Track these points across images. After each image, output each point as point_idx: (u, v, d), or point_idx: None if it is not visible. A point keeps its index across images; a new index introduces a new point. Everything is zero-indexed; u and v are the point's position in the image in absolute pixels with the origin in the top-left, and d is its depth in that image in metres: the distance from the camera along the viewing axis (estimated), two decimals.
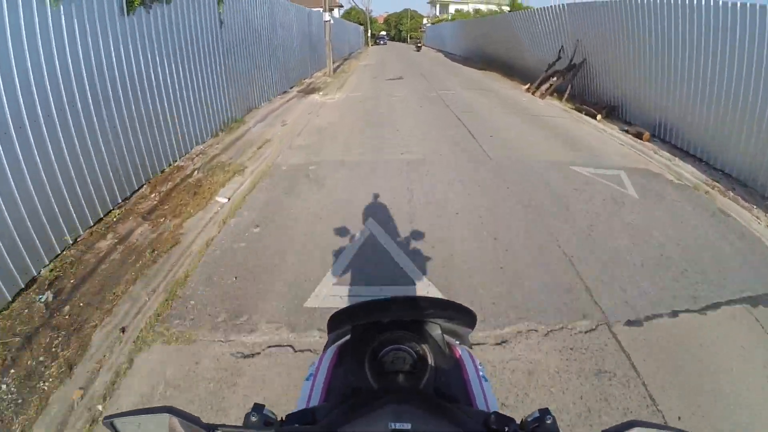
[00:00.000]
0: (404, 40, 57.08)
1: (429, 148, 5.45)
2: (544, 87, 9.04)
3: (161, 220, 3.58)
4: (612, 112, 7.19)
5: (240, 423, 0.73)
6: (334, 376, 1.02)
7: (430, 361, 0.95)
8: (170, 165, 4.58)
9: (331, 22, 13.07)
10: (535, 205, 3.83)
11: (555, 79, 8.91)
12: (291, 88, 10.10)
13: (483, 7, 38.81)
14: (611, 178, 4.46)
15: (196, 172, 4.49)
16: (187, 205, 3.84)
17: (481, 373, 1.06)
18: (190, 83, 4.99)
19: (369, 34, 37.36)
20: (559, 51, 8.99)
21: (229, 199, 4.03)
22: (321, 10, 13.47)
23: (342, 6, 43.21)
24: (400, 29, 59.95)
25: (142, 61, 4.05)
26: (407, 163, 4.89)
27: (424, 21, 52.41)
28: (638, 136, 6.01)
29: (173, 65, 4.58)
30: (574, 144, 5.69)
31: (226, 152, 5.27)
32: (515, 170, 4.66)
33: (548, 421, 0.72)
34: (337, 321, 1.08)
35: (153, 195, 3.99)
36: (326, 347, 1.15)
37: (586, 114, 7.38)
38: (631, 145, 5.75)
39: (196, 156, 5.01)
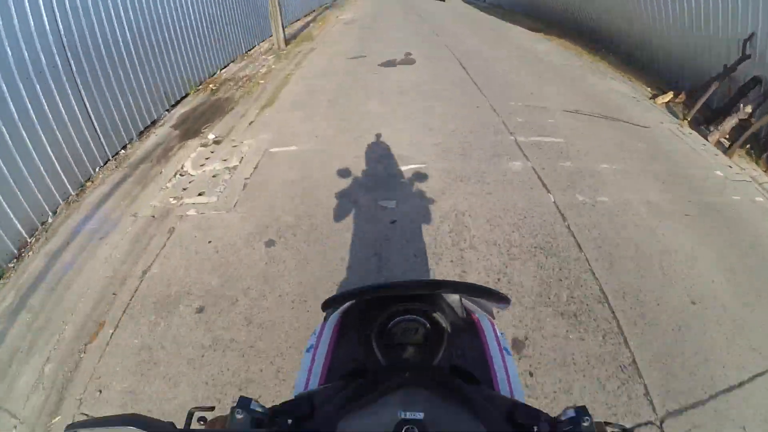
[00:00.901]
0: None
1: None
2: (727, 123, 3.85)
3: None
4: None
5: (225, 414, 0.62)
6: (337, 349, 0.91)
7: (446, 333, 0.83)
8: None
9: None
10: None
11: (745, 109, 3.69)
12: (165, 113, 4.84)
13: None
14: None
15: None
16: None
17: (503, 346, 0.92)
18: None
19: None
20: (745, 43, 3.85)
21: None
22: None
23: None
24: None
25: None
26: None
27: None
28: None
29: None
30: None
31: None
32: None
33: (585, 423, 0.61)
34: (335, 304, 0.89)
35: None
36: (327, 315, 0.97)
37: None
38: None
39: None
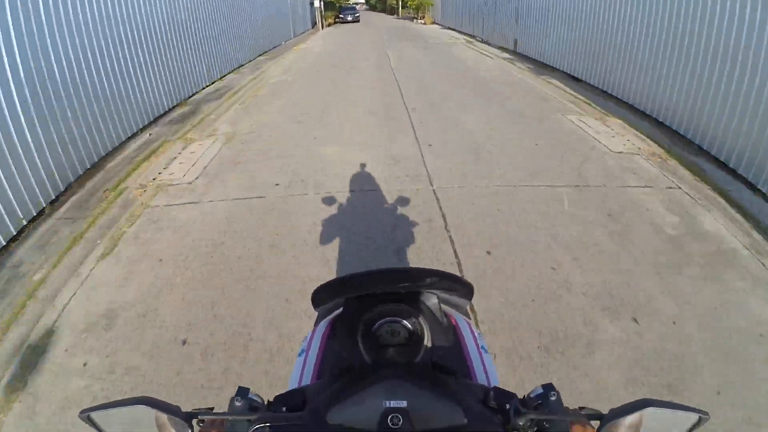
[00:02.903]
0: (392, 11, 41.47)
1: None
2: None
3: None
4: None
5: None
6: (327, 352, 0.99)
7: (427, 333, 0.92)
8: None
9: None
10: None
11: None
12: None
13: None
14: None
15: None
16: None
17: (480, 345, 1.02)
18: None
19: (319, 4, 22.76)
20: None
21: None
22: None
23: None
24: None
25: None
26: None
27: None
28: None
29: None
30: None
31: None
32: None
33: (552, 398, 0.70)
34: (323, 295, 1.02)
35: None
36: (317, 321, 1.11)
37: None
38: None
39: None
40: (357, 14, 27.57)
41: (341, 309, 1.03)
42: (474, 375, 0.95)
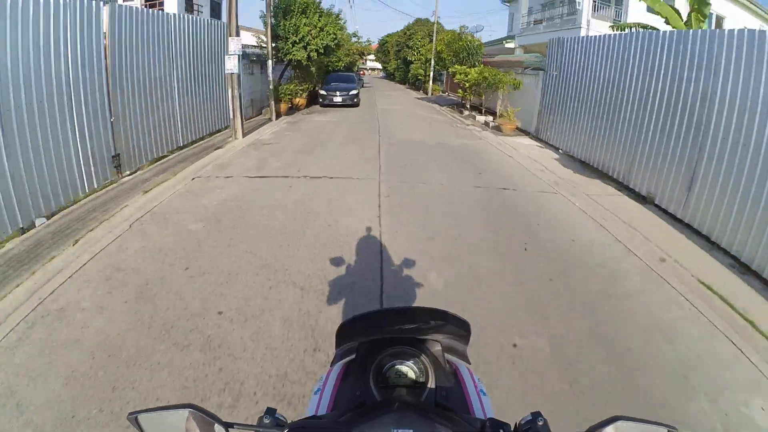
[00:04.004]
0: (416, 84, 30.67)
1: None
2: None
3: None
4: None
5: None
6: (341, 390, 1.12)
7: (431, 375, 1.06)
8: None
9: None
10: None
11: None
12: None
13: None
14: None
15: None
16: None
17: (479, 388, 1.16)
18: None
19: (271, 63, 12.89)
20: None
21: None
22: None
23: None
24: (407, 59, 31.76)
25: None
26: None
27: (514, 49, 24.17)
28: None
29: None
30: None
31: None
32: None
33: (540, 423, 0.81)
34: (345, 333, 1.19)
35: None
36: (333, 363, 1.26)
37: None
38: None
39: None
40: (355, 91, 16.06)
41: (353, 355, 1.14)
42: (473, 413, 1.04)
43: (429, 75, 27.67)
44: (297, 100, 15.52)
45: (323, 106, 16.75)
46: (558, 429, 0.94)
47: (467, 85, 14.29)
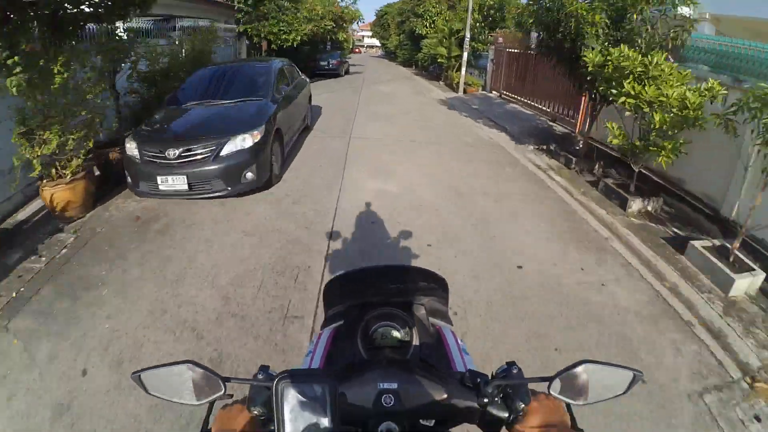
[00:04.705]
0: (423, 67, 26.61)
1: None
2: None
3: None
4: None
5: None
6: (331, 352, 1.30)
7: (416, 336, 1.23)
8: None
9: None
10: None
11: None
12: None
13: None
14: None
15: None
16: None
17: (462, 347, 1.34)
18: None
19: None
20: None
21: None
22: None
23: None
24: (414, 33, 26.41)
25: None
26: None
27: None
28: None
29: None
30: None
31: None
32: None
33: (514, 371, 0.97)
34: (331, 292, 1.48)
35: None
36: (323, 326, 1.47)
37: None
38: None
39: None
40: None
41: (342, 321, 1.39)
42: (455, 369, 1.27)
43: (460, 58, 17.98)
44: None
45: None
46: (529, 373, 1.03)
47: (656, 122, 5.16)
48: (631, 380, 0.89)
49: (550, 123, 11.36)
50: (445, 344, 1.32)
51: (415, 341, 1.21)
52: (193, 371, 0.86)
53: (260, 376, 0.95)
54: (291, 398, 0.80)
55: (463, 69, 17.51)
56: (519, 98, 14.10)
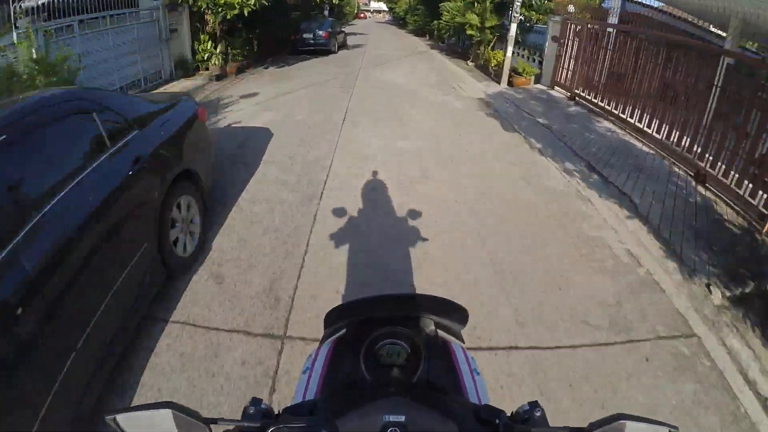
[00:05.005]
0: (439, 38, 22.02)
1: None
2: None
3: None
4: None
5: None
6: (330, 370, 1.23)
7: (424, 354, 1.16)
8: None
9: None
10: None
11: None
12: None
13: None
14: None
15: None
16: None
17: (473, 368, 1.27)
18: None
19: None
20: None
21: None
22: None
23: None
24: None
25: None
26: None
27: None
28: None
29: None
30: None
31: None
32: None
33: (537, 414, 0.86)
34: (334, 317, 1.34)
35: None
36: (322, 341, 1.42)
37: None
38: None
39: None
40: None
41: (344, 330, 1.31)
42: (466, 394, 1.18)
43: (500, 30, 13.52)
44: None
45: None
46: (555, 422, 0.91)
47: None
48: None
49: (696, 186, 5.88)
50: (455, 365, 1.26)
51: (423, 361, 1.15)
52: (174, 415, 0.79)
53: (251, 411, 0.90)
54: None
55: (510, 49, 12.14)
56: (611, 110, 8.58)
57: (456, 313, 1.30)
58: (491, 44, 13.55)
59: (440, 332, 1.28)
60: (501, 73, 11.87)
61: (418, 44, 22.92)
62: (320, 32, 17.00)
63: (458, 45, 17.43)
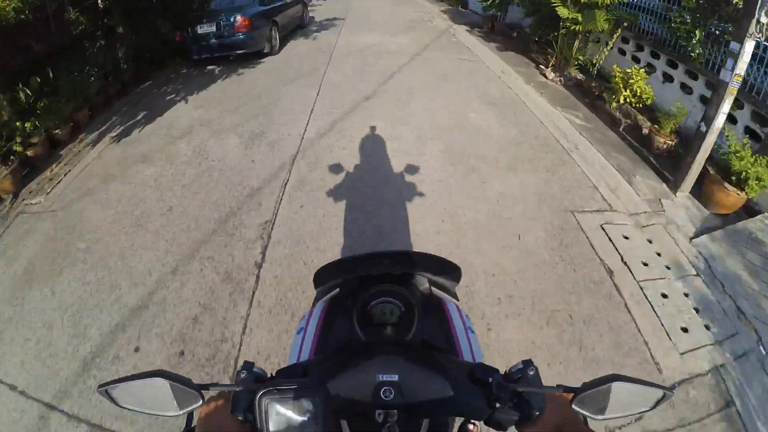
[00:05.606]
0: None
1: None
2: None
3: None
4: None
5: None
6: (324, 330, 1.22)
7: (417, 313, 1.12)
8: None
9: None
10: None
11: None
12: None
13: None
14: None
15: None
16: None
17: (467, 325, 1.27)
18: None
19: None
20: None
21: None
22: None
23: None
24: None
25: None
26: None
27: None
28: None
29: None
30: None
31: None
32: None
33: (531, 372, 0.88)
34: (325, 275, 1.35)
35: None
36: (315, 301, 1.41)
37: None
38: None
39: None
40: None
41: (338, 290, 1.35)
42: (460, 352, 1.17)
43: (738, 57, 3.74)
44: None
45: None
46: (548, 381, 0.89)
47: None
48: (659, 399, 0.81)
49: None
50: (449, 322, 1.29)
51: (417, 320, 1.15)
52: (166, 383, 0.85)
53: (243, 375, 0.94)
54: (277, 414, 0.81)
55: (727, 104, 3.78)
56: None
57: (450, 270, 1.33)
58: (610, 45, 6.70)
59: (434, 290, 1.32)
60: (651, 138, 4.86)
61: (429, 10, 14.67)
62: (232, 19, 9.00)
63: (484, 21, 10.38)
